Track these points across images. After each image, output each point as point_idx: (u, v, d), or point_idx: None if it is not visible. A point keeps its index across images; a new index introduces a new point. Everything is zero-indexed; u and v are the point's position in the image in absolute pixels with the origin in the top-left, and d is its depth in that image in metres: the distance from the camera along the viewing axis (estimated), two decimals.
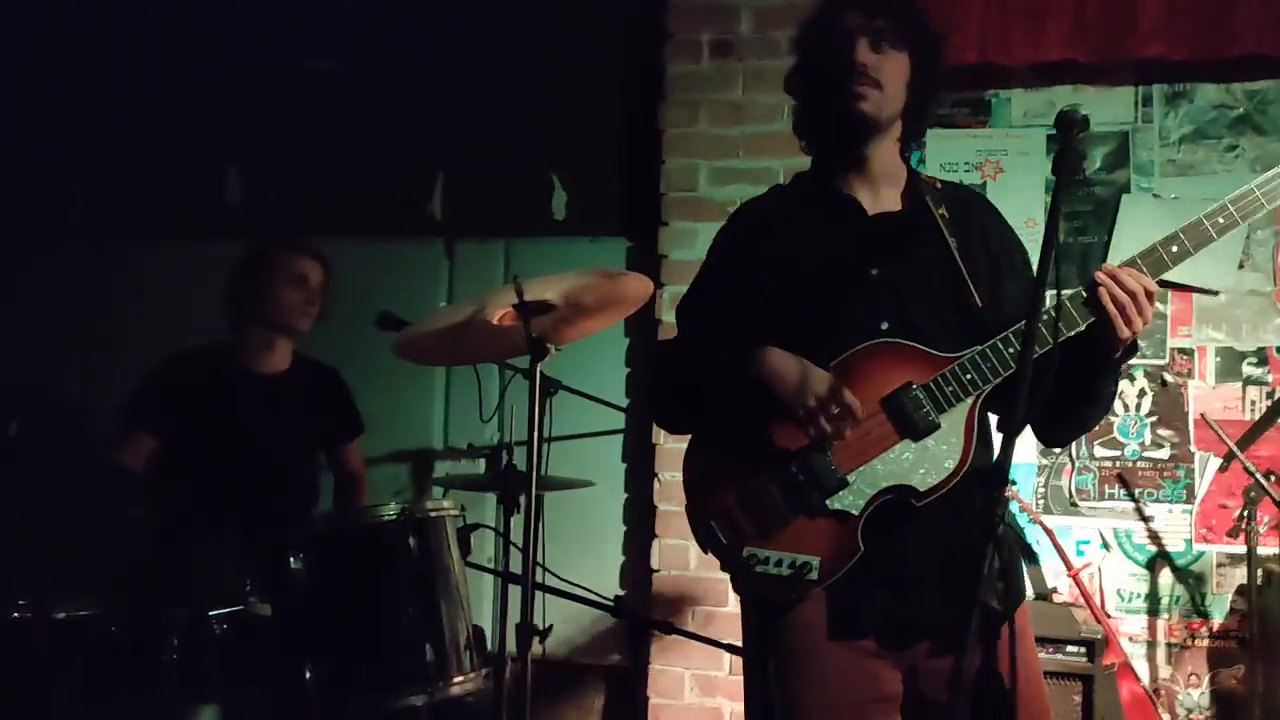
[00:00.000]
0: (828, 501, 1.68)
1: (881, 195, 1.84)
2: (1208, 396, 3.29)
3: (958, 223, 1.80)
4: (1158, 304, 3.24)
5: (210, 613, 2.04)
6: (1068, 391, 1.69)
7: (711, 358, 1.81)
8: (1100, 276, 1.65)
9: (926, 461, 1.65)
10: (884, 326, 1.73)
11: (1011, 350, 1.67)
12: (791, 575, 1.67)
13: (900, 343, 1.71)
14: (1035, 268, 1.55)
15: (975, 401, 1.68)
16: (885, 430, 1.68)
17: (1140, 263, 1.69)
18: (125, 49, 3.91)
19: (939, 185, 1.87)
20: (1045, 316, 1.64)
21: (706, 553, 1.78)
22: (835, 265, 1.78)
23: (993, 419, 1.77)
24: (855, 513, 1.68)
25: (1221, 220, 1.70)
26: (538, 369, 2.16)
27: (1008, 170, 3.42)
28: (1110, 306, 1.63)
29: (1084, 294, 1.68)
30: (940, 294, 1.75)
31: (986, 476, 1.32)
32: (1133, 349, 1.71)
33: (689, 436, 1.85)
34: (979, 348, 1.69)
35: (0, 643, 2.08)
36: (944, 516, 1.65)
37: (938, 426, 1.66)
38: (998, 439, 1.49)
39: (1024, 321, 1.56)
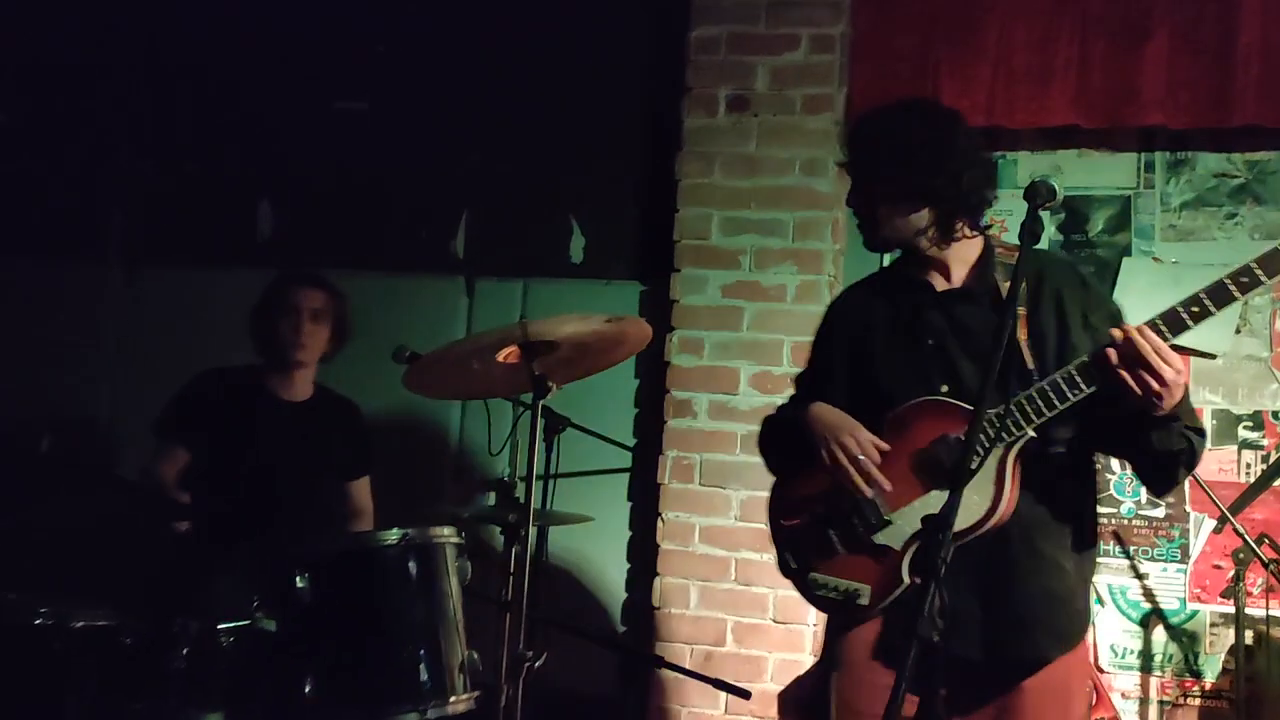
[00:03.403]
0: (874, 537, 1.93)
1: (954, 274, 2.03)
2: (1204, 458, 3.31)
3: (1029, 291, 1.97)
4: None
5: (218, 626, 2.14)
6: (1128, 448, 1.91)
7: (785, 412, 2.21)
8: (1115, 335, 1.78)
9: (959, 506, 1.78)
10: (944, 389, 1.93)
11: (1035, 407, 1.83)
12: (844, 599, 1.93)
13: (945, 400, 1.91)
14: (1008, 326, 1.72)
15: (1006, 452, 1.85)
16: (924, 477, 1.90)
17: (1159, 323, 1.80)
18: (166, 83, 4.05)
19: (1017, 256, 1.99)
20: (1059, 379, 1.84)
21: (785, 576, 2.10)
22: (900, 338, 2.03)
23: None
24: (897, 548, 1.90)
25: (1245, 280, 1.77)
26: (539, 406, 2.27)
27: (1011, 229, 3.51)
28: (1118, 370, 1.77)
29: (1089, 358, 1.83)
30: (999, 356, 1.87)
31: (933, 521, 1.43)
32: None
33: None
34: (1003, 406, 1.84)
35: (20, 648, 2.19)
36: (989, 560, 1.85)
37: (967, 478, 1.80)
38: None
39: (1047, 380, 1.80)
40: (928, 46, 3.39)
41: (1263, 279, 1.75)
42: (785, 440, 2.14)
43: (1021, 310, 1.92)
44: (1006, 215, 3.53)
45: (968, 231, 2.00)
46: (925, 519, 1.36)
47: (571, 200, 3.83)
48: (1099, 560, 3.32)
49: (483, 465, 3.64)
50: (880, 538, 1.93)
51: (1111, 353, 1.76)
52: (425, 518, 2.41)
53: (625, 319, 2.42)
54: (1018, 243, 1.98)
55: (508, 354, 2.39)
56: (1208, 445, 3.28)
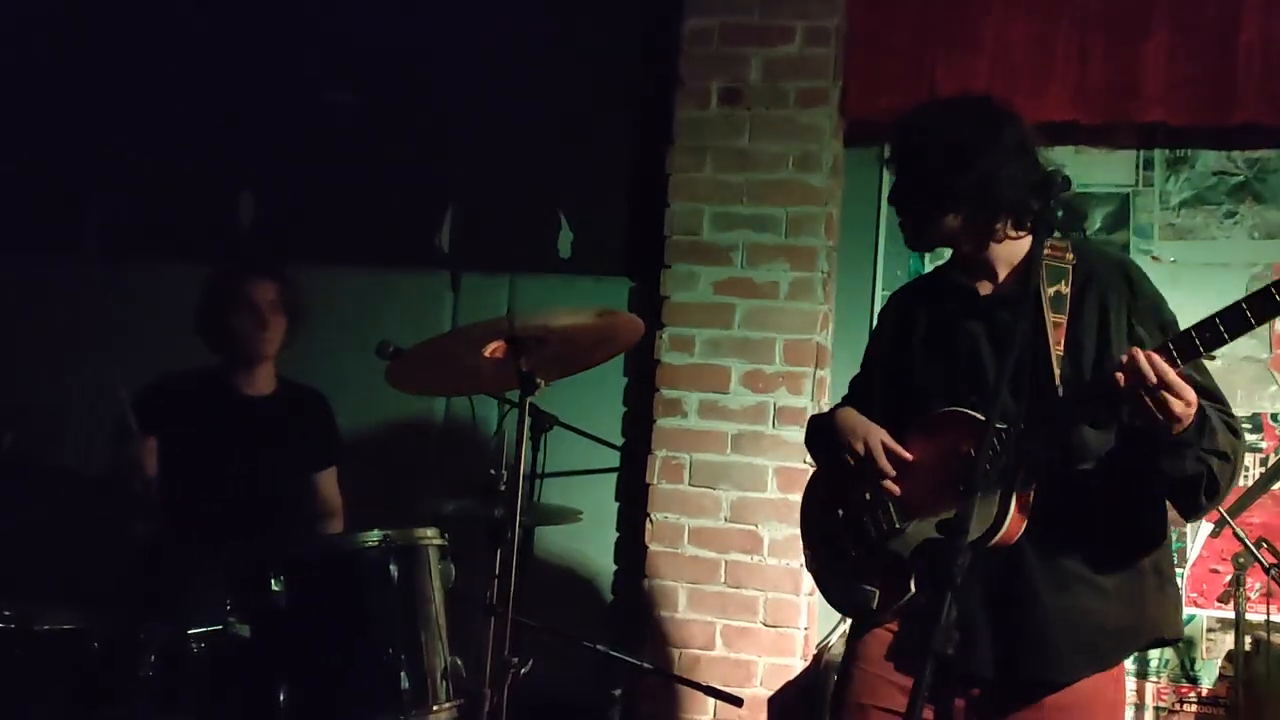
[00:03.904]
0: (886, 544, 1.93)
1: (998, 276, 1.97)
2: None
3: (1075, 298, 1.89)
4: None
5: (189, 631, 2.06)
6: (1148, 471, 1.80)
7: (818, 416, 2.23)
8: (1123, 360, 1.69)
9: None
10: (974, 399, 1.88)
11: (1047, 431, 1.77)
12: (856, 601, 1.94)
13: (965, 412, 1.87)
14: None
15: (1017, 470, 1.78)
16: (939, 488, 1.87)
17: (1170, 347, 1.70)
18: (146, 73, 3.97)
19: (1067, 258, 1.93)
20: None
21: (809, 572, 2.18)
22: (939, 344, 1.99)
23: None
24: (906, 556, 1.89)
25: (1261, 305, 1.61)
26: (526, 403, 2.20)
27: None
28: (1126, 396, 1.68)
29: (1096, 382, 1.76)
30: (1024, 369, 1.83)
31: (946, 529, 1.36)
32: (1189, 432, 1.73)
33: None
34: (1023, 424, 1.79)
35: None
36: (1004, 576, 1.81)
37: (976, 489, 1.73)
38: None
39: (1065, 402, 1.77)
40: (924, 40, 3.35)
41: None
42: (820, 441, 2.16)
43: (1061, 318, 1.85)
44: None
45: (1011, 232, 1.91)
46: (940, 525, 1.30)
47: (560, 194, 3.76)
48: None
49: (467, 464, 3.56)
50: (892, 544, 1.92)
51: (1120, 376, 1.68)
52: (407, 518, 2.34)
53: (616, 313, 2.35)
54: (1064, 241, 1.93)
55: (494, 349, 2.32)
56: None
